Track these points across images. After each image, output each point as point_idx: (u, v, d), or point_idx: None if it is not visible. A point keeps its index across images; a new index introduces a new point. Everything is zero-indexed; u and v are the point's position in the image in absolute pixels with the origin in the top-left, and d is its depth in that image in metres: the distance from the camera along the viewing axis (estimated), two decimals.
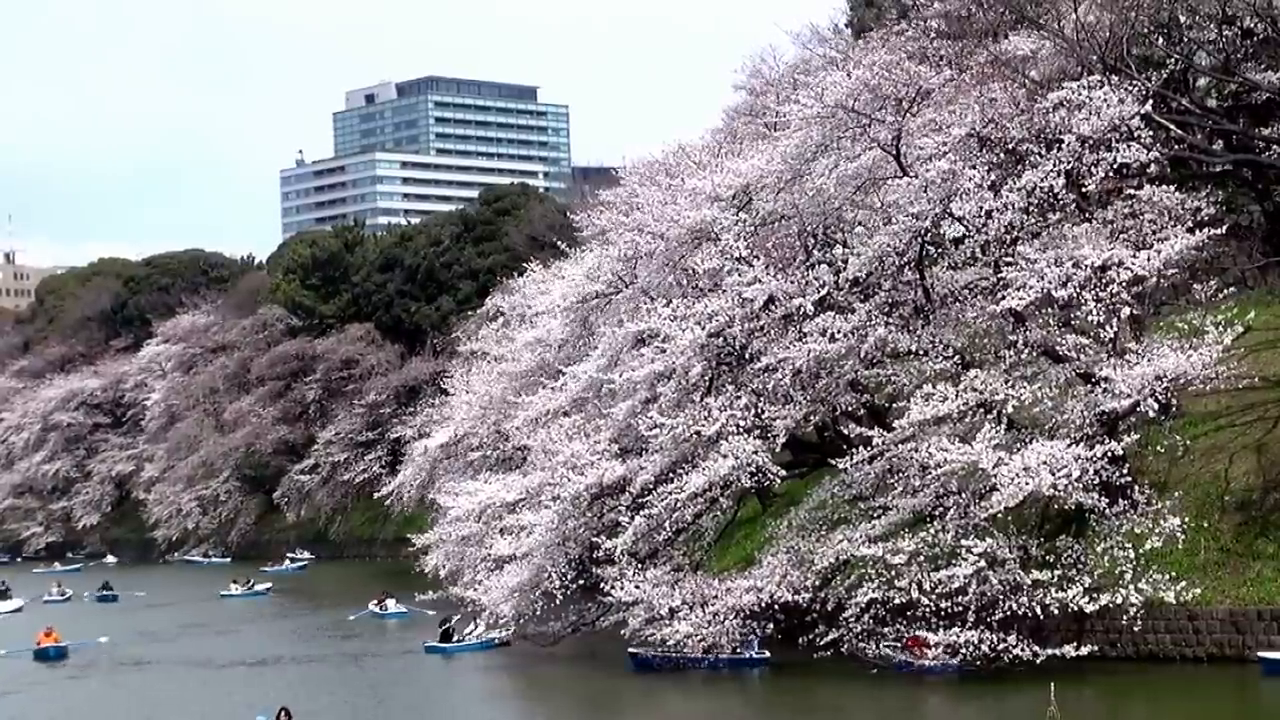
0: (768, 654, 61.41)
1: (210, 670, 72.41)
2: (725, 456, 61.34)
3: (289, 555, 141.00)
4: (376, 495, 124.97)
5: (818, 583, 60.92)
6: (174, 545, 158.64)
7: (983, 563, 54.64)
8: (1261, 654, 52.62)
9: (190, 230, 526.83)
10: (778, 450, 63.77)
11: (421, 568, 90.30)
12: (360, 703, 61.96)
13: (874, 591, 57.49)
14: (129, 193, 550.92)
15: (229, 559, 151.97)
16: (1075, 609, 54.12)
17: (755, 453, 61.38)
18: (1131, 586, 53.90)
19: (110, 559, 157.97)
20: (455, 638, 73.18)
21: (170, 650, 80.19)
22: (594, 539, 66.34)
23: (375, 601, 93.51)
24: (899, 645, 57.35)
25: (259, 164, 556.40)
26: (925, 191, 58.33)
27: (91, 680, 71.00)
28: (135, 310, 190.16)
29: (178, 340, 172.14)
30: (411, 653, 75.11)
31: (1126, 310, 55.93)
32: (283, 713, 50.56)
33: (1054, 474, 53.85)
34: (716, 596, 61.54)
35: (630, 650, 62.80)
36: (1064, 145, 57.47)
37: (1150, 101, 58.64)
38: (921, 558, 56.47)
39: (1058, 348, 57.20)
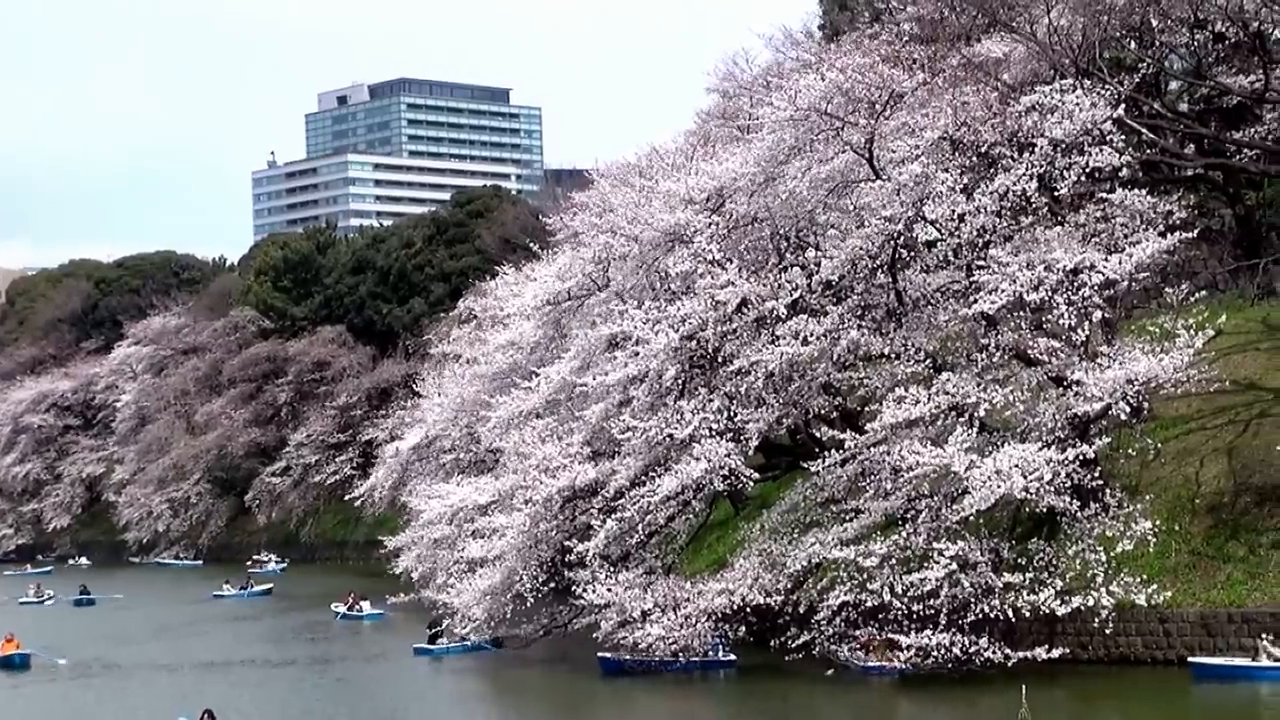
0: (735, 657, 61.44)
1: (175, 674, 71.89)
2: (698, 459, 61.32)
3: (254, 559, 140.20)
4: (348, 497, 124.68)
5: (790, 586, 60.98)
6: (145, 548, 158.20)
7: (954, 565, 54.71)
8: (1192, 659, 52.93)
9: (162, 232, 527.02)
10: (750, 453, 63.78)
11: (393, 570, 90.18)
12: (328, 706, 61.84)
13: (846, 594, 57.51)
14: (101, 194, 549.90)
15: (200, 561, 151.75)
16: (1047, 612, 54.19)
17: (728, 456, 61.38)
18: (1103, 589, 54.04)
19: (82, 561, 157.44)
20: (444, 640, 72.94)
21: (141, 654, 79.76)
22: (566, 542, 66.27)
23: (344, 603, 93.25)
24: (858, 647, 57.46)
25: (231, 166, 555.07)
26: (898, 195, 58.35)
27: (54, 686, 70.40)
28: (106, 312, 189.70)
29: (149, 342, 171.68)
30: (383, 655, 75.00)
31: (1098, 313, 56.01)
32: (206, 715, 50.39)
33: (1025, 477, 53.95)
34: (688, 599, 61.54)
35: (600, 654, 62.77)
36: (1036, 149, 57.57)
37: (1122, 105, 58.78)
38: (893, 560, 56.54)
39: (1030, 351, 57.27)
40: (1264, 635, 51.83)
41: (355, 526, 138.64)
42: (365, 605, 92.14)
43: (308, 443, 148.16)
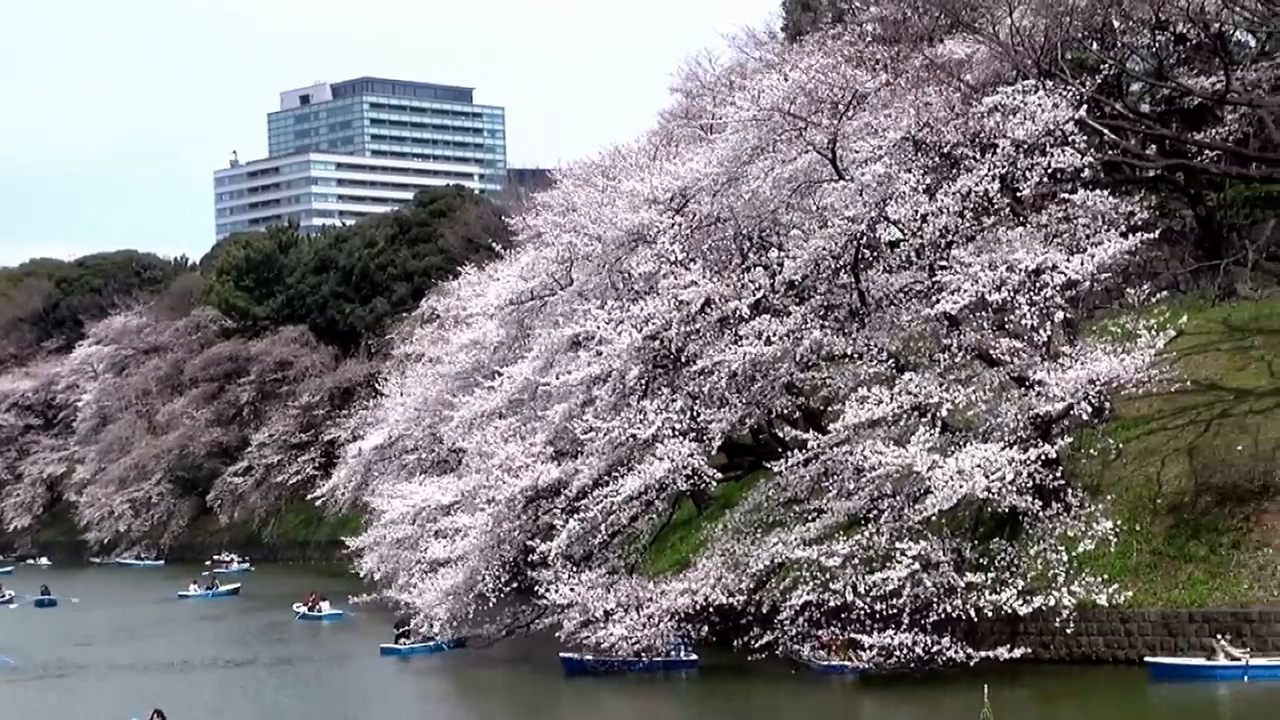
0: (697, 657, 61.46)
1: (136, 675, 71.59)
2: (661, 459, 61.35)
3: (215, 559, 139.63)
4: (310, 498, 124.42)
5: (753, 585, 61.00)
6: (106, 548, 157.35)
7: (917, 565, 54.79)
8: (1149, 659, 53.15)
9: (123, 231, 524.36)
10: (713, 453, 63.87)
11: (356, 570, 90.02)
12: (289, 706, 61.73)
13: (809, 594, 57.60)
14: (61, 193, 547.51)
15: (162, 561, 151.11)
16: (1009, 611, 54.31)
17: (691, 456, 61.42)
18: (1064, 589, 54.18)
19: (43, 561, 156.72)
20: (404, 641, 72.79)
21: (103, 654, 79.45)
22: (529, 542, 66.23)
23: (305, 603, 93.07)
24: (819, 646, 57.54)
25: (193, 165, 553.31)
26: (861, 195, 58.44)
27: (12, 687, 69.98)
28: (67, 311, 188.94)
29: (110, 341, 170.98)
30: (346, 655, 74.88)
31: (1060, 314, 56.17)
32: (155, 715, 50.24)
33: (988, 477, 54.08)
34: (651, 599, 61.55)
35: (563, 654, 62.73)
36: (999, 149, 57.73)
37: (1084, 106, 58.96)
38: (856, 560, 56.61)
39: (992, 351, 57.38)
40: (1221, 635, 52.07)
41: (317, 527, 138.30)
42: (324, 606, 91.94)
43: (270, 443, 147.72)
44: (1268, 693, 49.98)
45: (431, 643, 71.58)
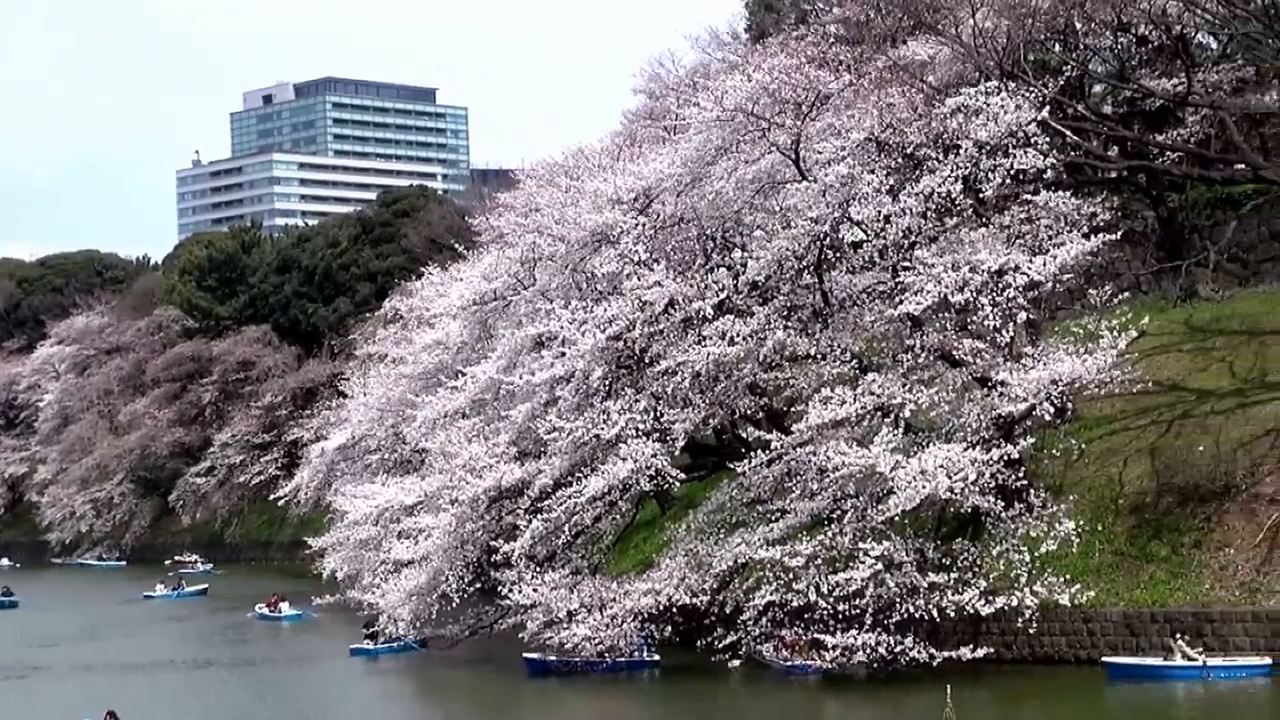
0: (659, 657, 61.47)
1: (96, 676, 71.16)
2: (624, 460, 61.34)
3: (177, 559, 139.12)
4: (273, 498, 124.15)
5: (716, 585, 61.02)
6: (68, 548, 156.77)
7: (880, 565, 54.85)
8: (1106, 659, 53.35)
9: (85, 231, 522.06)
10: (676, 453, 63.86)
11: (318, 571, 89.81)
12: (250, 707, 61.56)
13: (772, 594, 57.64)
14: (22, 193, 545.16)
15: (124, 562, 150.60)
16: (971, 612, 54.43)
17: (654, 456, 61.43)
18: (1027, 589, 54.33)
19: (4, 562, 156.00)
20: (368, 642, 72.62)
21: (65, 655, 79.04)
22: (492, 542, 66.21)
23: (267, 604, 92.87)
24: (782, 646, 57.60)
25: (155, 164, 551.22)
26: (824, 196, 58.50)
27: None
28: (29, 311, 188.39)
29: (72, 341, 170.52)
30: (309, 656, 74.71)
31: (1022, 315, 56.32)
32: (108, 716, 50.08)
33: (951, 477, 54.19)
34: (615, 599, 61.54)
35: (526, 655, 62.70)
36: (961, 151, 57.85)
37: (1047, 108, 59.15)
38: (819, 560, 56.67)
39: (954, 352, 57.50)
40: (1180, 635, 52.27)
41: (280, 527, 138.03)
42: (285, 607, 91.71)
43: (232, 443, 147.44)
44: (1224, 693, 50.26)
45: (400, 642, 71.43)
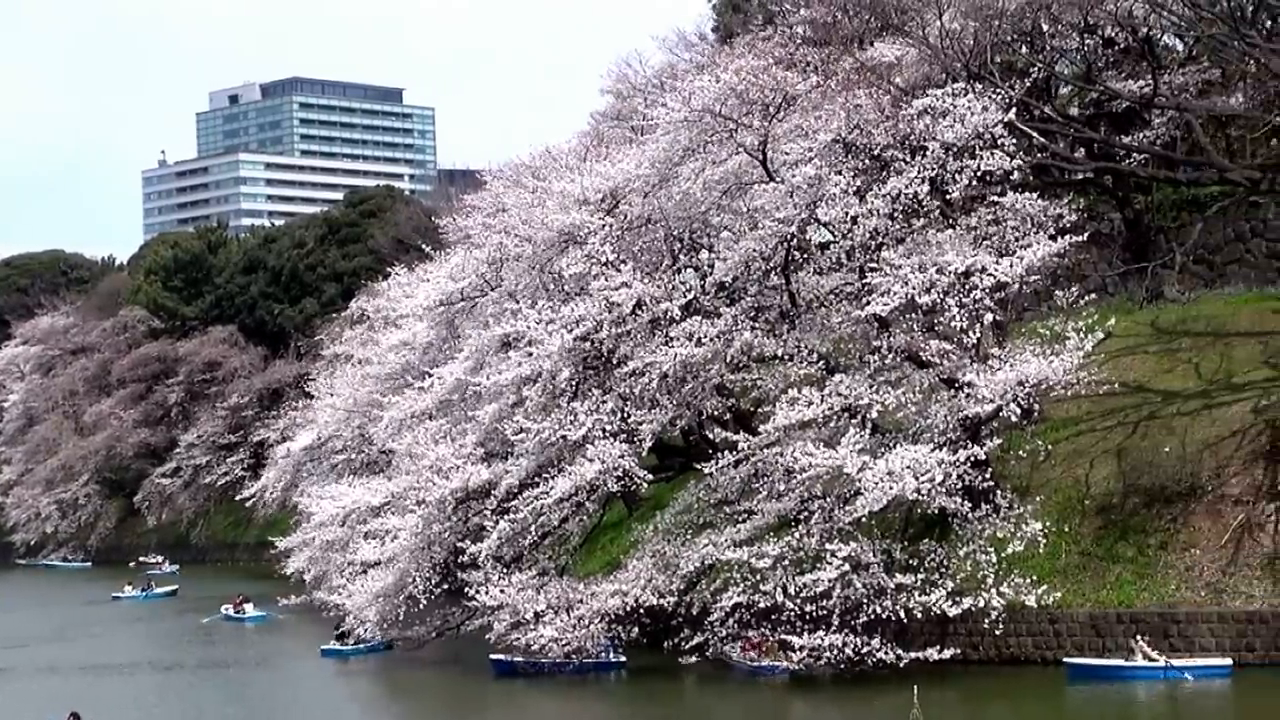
0: (625, 658, 61.43)
1: (61, 677, 70.92)
2: (591, 461, 61.25)
3: (141, 560, 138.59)
4: (239, 499, 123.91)
5: (683, 587, 61.03)
6: (33, 549, 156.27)
7: (847, 567, 54.89)
8: (1067, 660, 53.51)
9: (50, 231, 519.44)
10: (644, 454, 63.76)
11: (284, 572, 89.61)
12: (214, 708, 61.35)
13: (739, 595, 57.64)
14: None
15: (89, 563, 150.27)
16: (938, 613, 54.50)
17: (621, 457, 61.36)
18: (993, 590, 54.42)
19: None
20: (334, 642, 72.43)
21: (31, 657, 78.68)
22: (459, 543, 66.08)
23: (231, 605, 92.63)
24: (749, 647, 57.62)
25: (121, 164, 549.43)
26: (791, 197, 58.52)
27: None
28: None
29: (37, 342, 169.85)
30: (274, 657, 74.51)
31: (989, 316, 56.38)
32: (71, 717, 49.91)
33: (917, 478, 54.22)
34: (582, 601, 61.49)
35: (493, 656, 62.63)
36: (928, 152, 57.90)
37: (1013, 109, 59.24)
38: (786, 562, 56.69)
39: (921, 353, 57.57)
40: (1139, 636, 52.43)
41: (246, 528, 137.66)
42: (249, 608, 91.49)
43: (198, 443, 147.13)
44: (1185, 693, 50.48)
45: (369, 643, 71.27)
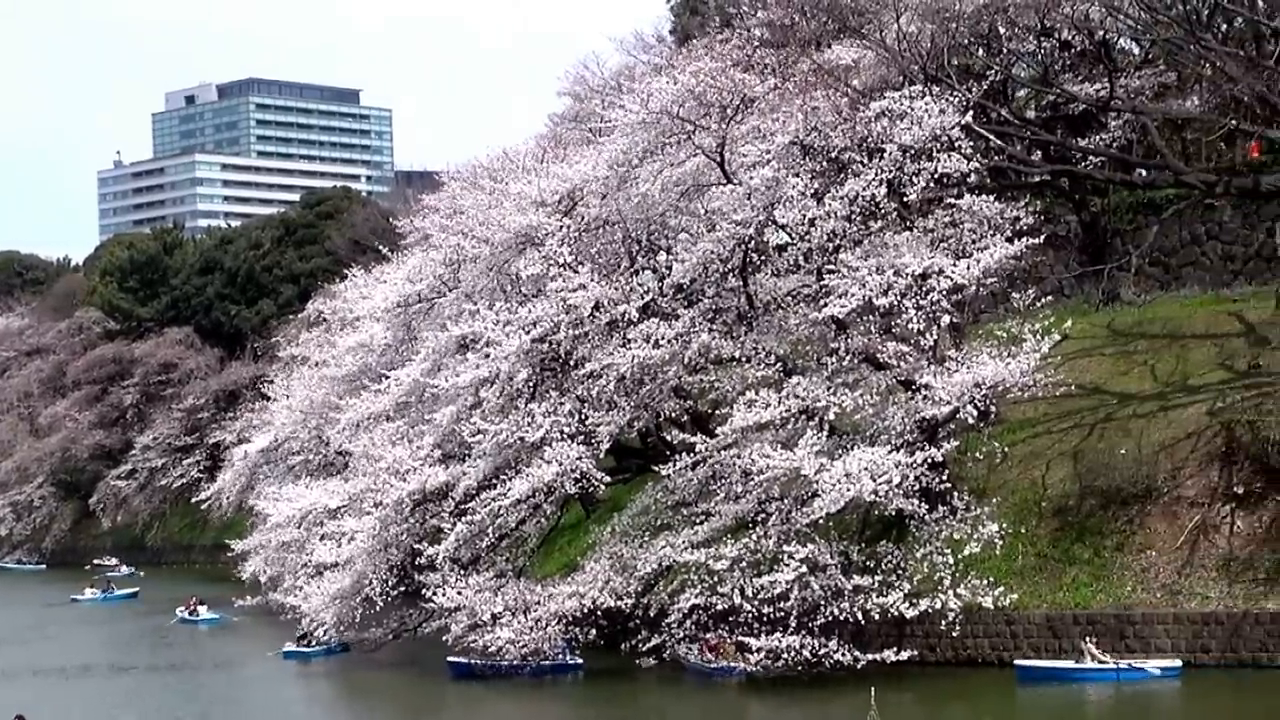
0: (582, 661, 61.39)
1: (5, 682, 70.49)
2: (549, 462, 61.17)
3: (96, 563, 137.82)
4: (195, 501, 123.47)
5: (640, 589, 61.04)
6: None
7: (804, 568, 54.95)
8: (1017, 662, 53.71)
9: (4, 232, 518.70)
10: (601, 456, 63.75)
11: (241, 574, 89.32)
12: (168, 712, 61.11)
13: (696, 597, 57.68)
14: None
15: (44, 565, 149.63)
16: (895, 614, 54.58)
17: (579, 459, 61.29)
18: (950, 592, 54.54)
19: None
20: (312, 641, 72.17)
21: None
22: (416, 545, 65.98)
23: (185, 607, 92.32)
24: (707, 649, 57.63)
25: (75, 165, 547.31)
26: (749, 199, 58.52)
27: None
28: None
29: None
30: (229, 660, 74.27)
31: (946, 318, 56.43)
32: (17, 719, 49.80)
33: (875, 480, 54.28)
34: (539, 603, 61.44)
35: (450, 658, 62.54)
36: (886, 154, 57.95)
37: (970, 112, 59.34)
38: (744, 563, 56.74)
39: (879, 355, 57.66)
40: (1088, 638, 52.65)
41: (203, 530, 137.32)
42: (203, 610, 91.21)
43: (154, 445, 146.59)
44: (1134, 694, 50.77)
45: (330, 645, 71.05)
